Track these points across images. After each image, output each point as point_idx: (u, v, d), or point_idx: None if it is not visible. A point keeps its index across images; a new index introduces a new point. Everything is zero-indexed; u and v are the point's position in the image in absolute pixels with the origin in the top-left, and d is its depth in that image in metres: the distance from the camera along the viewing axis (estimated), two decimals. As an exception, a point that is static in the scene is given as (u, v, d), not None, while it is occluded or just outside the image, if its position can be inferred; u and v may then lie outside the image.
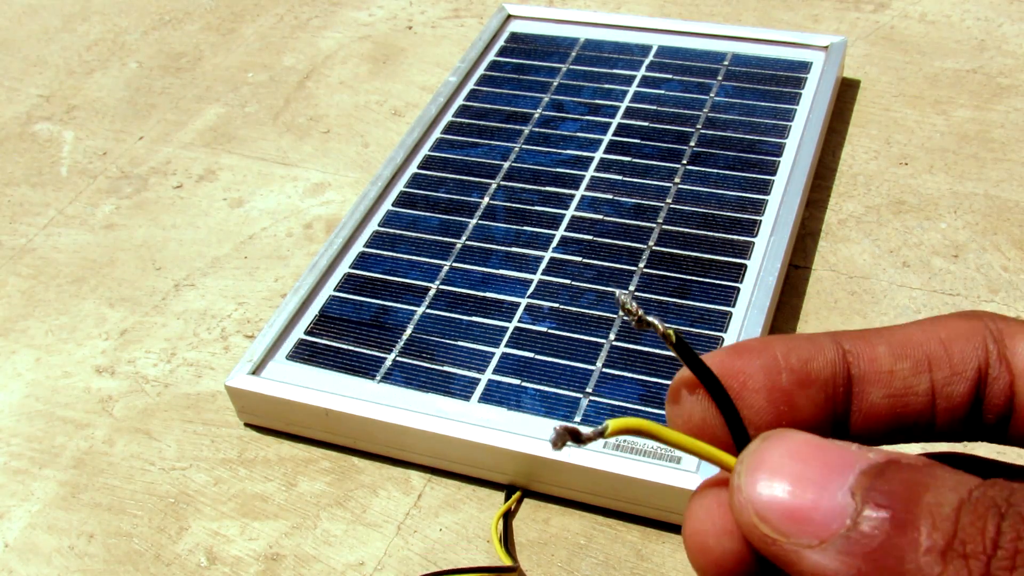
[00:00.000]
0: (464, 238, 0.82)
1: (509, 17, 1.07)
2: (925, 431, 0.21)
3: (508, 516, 0.68)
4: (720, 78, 0.97)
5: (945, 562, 0.16)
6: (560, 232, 0.82)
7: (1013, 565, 0.15)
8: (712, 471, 0.62)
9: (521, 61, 1.01)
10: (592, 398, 0.69)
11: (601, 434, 0.20)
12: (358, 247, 0.82)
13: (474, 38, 1.12)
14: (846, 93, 1.00)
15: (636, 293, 0.76)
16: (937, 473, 0.17)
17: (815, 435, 0.19)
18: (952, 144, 0.94)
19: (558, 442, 0.19)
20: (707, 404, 0.21)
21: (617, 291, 0.21)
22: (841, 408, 0.21)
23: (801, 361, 0.21)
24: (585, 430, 0.20)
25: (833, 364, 0.21)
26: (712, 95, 0.95)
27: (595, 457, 0.65)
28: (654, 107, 0.94)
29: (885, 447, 0.19)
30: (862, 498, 0.17)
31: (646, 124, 0.92)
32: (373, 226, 0.84)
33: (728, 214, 0.82)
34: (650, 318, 0.21)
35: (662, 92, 0.96)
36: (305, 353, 0.74)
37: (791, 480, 0.18)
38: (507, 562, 0.65)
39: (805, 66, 0.97)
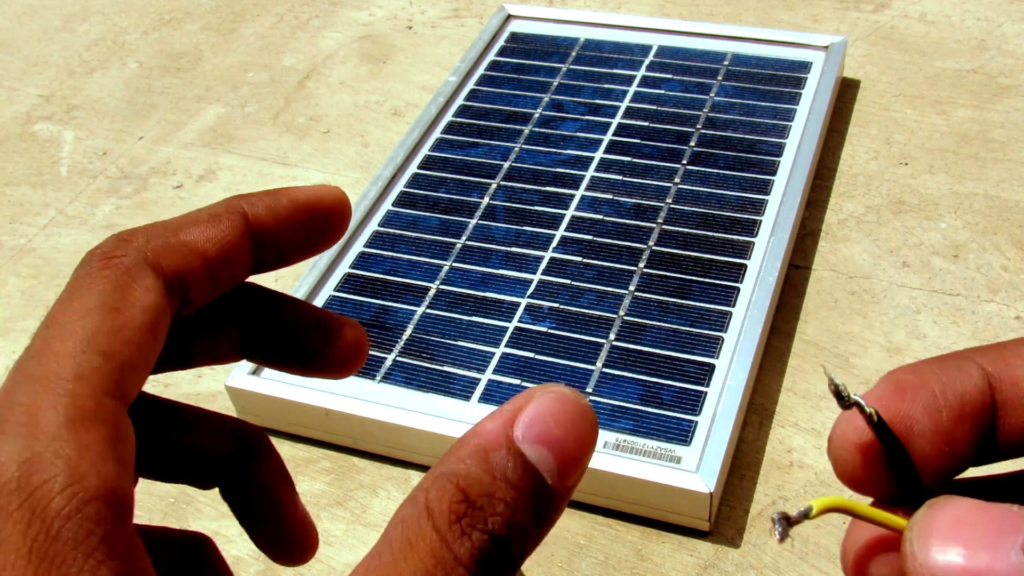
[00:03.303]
0: (464, 238, 0.82)
1: (509, 17, 1.07)
2: None
3: (508, 516, 0.68)
4: (720, 78, 0.97)
5: None
6: (560, 232, 0.82)
7: None
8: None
9: (521, 61, 1.01)
10: (592, 398, 0.69)
11: (806, 515, 0.21)
12: (358, 247, 0.82)
13: (474, 38, 1.12)
14: (846, 93, 1.00)
15: (636, 293, 0.76)
16: None
17: (978, 500, 0.19)
18: (952, 144, 0.94)
19: (784, 535, 0.20)
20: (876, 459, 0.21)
21: (827, 373, 0.21)
22: (987, 434, 0.21)
23: (956, 396, 0.21)
24: (793, 513, 0.21)
25: (983, 393, 0.21)
26: (712, 95, 0.95)
27: (595, 457, 0.65)
28: (654, 107, 0.94)
29: None
30: None
31: (646, 124, 0.92)
32: (373, 226, 0.84)
33: (728, 214, 0.82)
34: (855, 397, 0.21)
35: (662, 92, 0.96)
36: (305, 353, 0.74)
37: (963, 544, 0.18)
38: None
39: (805, 66, 0.97)
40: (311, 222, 0.23)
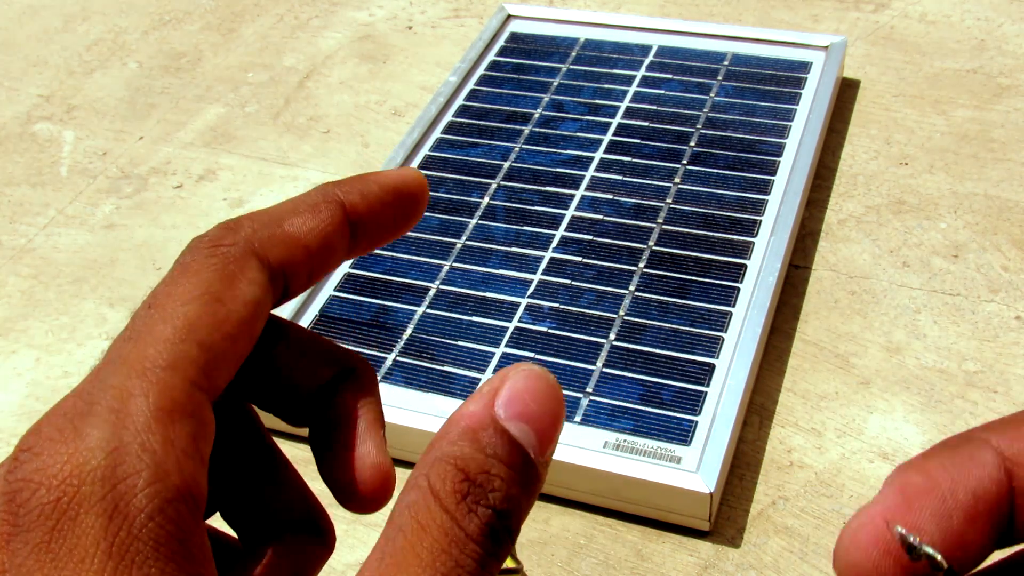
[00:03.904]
0: (464, 238, 0.82)
1: (509, 17, 1.07)
2: None
3: (508, 516, 0.68)
4: (720, 78, 0.97)
5: None
6: (560, 232, 0.82)
7: None
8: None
9: (521, 61, 1.01)
10: (592, 398, 0.69)
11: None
12: (358, 247, 0.82)
13: (474, 38, 1.12)
14: (846, 93, 1.00)
15: (636, 293, 0.76)
16: None
17: None
18: (952, 144, 0.94)
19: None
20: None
21: (896, 529, 0.20)
22: (1006, 524, 0.20)
23: (968, 494, 0.19)
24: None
25: (999, 484, 0.19)
26: (712, 95, 0.95)
27: (595, 457, 0.65)
28: (654, 107, 0.94)
29: None
30: None
31: (646, 124, 0.92)
32: (373, 226, 0.84)
33: (728, 214, 0.82)
34: (927, 550, 0.20)
35: (662, 92, 0.96)
36: (305, 353, 0.74)
37: None
38: (510, 563, 0.64)
39: (805, 66, 0.97)
40: (398, 205, 0.24)
